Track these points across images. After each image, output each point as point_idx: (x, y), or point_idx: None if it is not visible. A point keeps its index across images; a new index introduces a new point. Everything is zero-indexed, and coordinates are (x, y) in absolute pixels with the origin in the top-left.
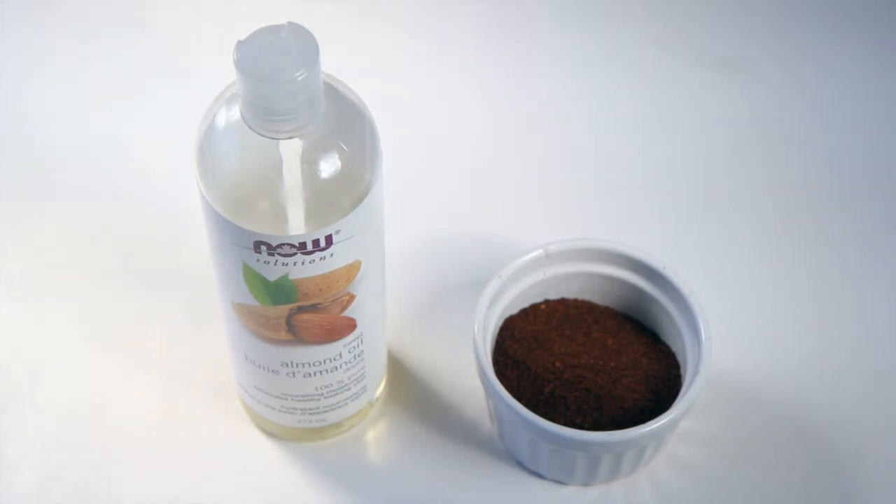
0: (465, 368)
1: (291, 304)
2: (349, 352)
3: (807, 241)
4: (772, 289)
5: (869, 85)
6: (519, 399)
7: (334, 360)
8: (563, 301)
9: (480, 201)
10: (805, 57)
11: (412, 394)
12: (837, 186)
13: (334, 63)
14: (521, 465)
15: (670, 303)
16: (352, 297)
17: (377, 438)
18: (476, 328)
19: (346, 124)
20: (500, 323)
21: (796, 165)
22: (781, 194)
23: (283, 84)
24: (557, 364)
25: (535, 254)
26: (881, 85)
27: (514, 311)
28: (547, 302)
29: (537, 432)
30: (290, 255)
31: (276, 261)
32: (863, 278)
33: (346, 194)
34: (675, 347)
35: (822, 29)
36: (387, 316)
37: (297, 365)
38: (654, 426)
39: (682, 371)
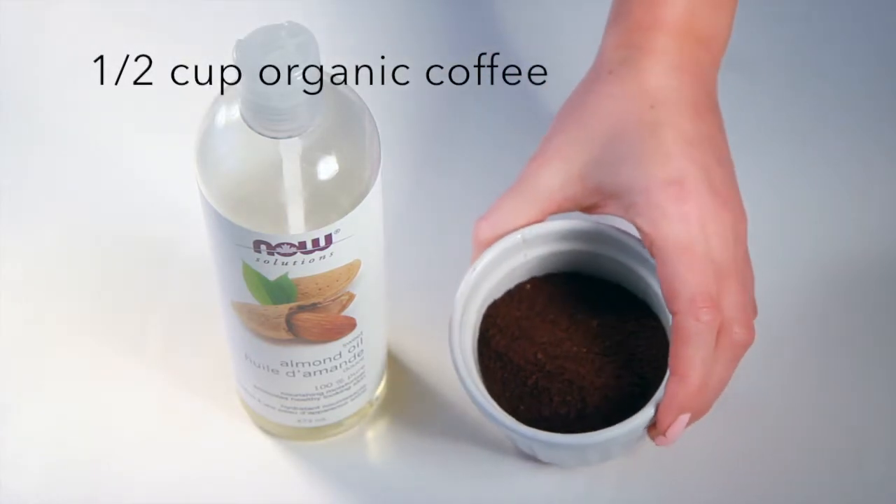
0: None
1: (291, 303)
2: (349, 351)
3: (804, 238)
4: (771, 285)
5: (871, 84)
6: (503, 391)
7: (334, 359)
8: (550, 278)
9: (481, 200)
10: (807, 56)
11: (412, 394)
12: (839, 186)
13: (334, 63)
14: (521, 464)
15: (654, 279)
16: (351, 297)
17: (377, 438)
18: (452, 332)
19: (346, 124)
20: (484, 311)
21: (797, 165)
22: (782, 193)
23: (282, 83)
24: (539, 356)
25: (511, 241)
26: (883, 83)
27: (499, 294)
28: (533, 280)
29: (516, 436)
30: (290, 255)
31: (276, 260)
32: (864, 277)
33: (345, 194)
34: (664, 321)
35: (822, 28)
36: (387, 315)
37: (296, 364)
38: (629, 426)
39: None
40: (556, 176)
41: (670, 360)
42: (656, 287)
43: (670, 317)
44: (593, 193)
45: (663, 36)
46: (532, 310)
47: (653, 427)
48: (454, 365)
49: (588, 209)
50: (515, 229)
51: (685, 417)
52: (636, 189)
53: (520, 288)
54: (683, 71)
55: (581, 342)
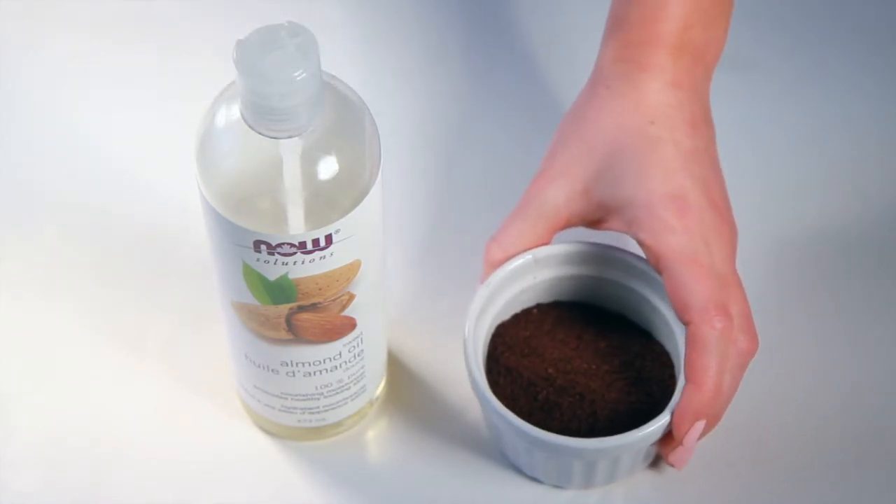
0: (464, 368)
1: (291, 303)
2: (349, 351)
3: (804, 238)
4: (770, 289)
5: (871, 84)
6: (513, 407)
7: (334, 359)
8: (556, 305)
9: (481, 201)
10: (807, 56)
11: (412, 394)
12: (839, 184)
13: (334, 62)
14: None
15: (661, 302)
16: (351, 297)
17: (377, 438)
18: (467, 341)
19: (346, 124)
20: (493, 330)
21: (797, 165)
22: (782, 194)
23: (282, 83)
24: (550, 370)
25: (522, 260)
26: (884, 83)
27: (506, 316)
28: (539, 306)
29: (531, 441)
30: (290, 255)
31: (276, 260)
32: (865, 276)
33: (345, 194)
34: (668, 347)
35: (822, 28)
36: (387, 316)
37: (296, 364)
38: (646, 431)
39: (676, 371)
40: (560, 193)
41: (685, 369)
42: (663, 309)
43: (681, 329)
44: (597, 208)
45: (660, 52)
46: (540, 329)
47: (665, 444)
48: (468, 370)
49: (593, 224)
50: (524, 249)
51: (700, 425)
52: (638, 203)
53: (526, 312)
54: (679, 86)
55: (590, 360)
